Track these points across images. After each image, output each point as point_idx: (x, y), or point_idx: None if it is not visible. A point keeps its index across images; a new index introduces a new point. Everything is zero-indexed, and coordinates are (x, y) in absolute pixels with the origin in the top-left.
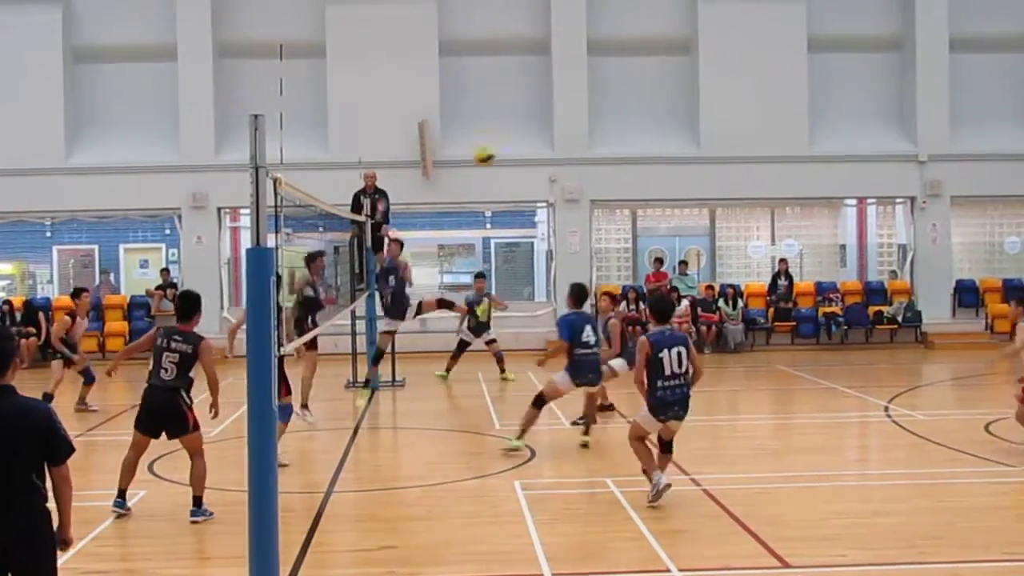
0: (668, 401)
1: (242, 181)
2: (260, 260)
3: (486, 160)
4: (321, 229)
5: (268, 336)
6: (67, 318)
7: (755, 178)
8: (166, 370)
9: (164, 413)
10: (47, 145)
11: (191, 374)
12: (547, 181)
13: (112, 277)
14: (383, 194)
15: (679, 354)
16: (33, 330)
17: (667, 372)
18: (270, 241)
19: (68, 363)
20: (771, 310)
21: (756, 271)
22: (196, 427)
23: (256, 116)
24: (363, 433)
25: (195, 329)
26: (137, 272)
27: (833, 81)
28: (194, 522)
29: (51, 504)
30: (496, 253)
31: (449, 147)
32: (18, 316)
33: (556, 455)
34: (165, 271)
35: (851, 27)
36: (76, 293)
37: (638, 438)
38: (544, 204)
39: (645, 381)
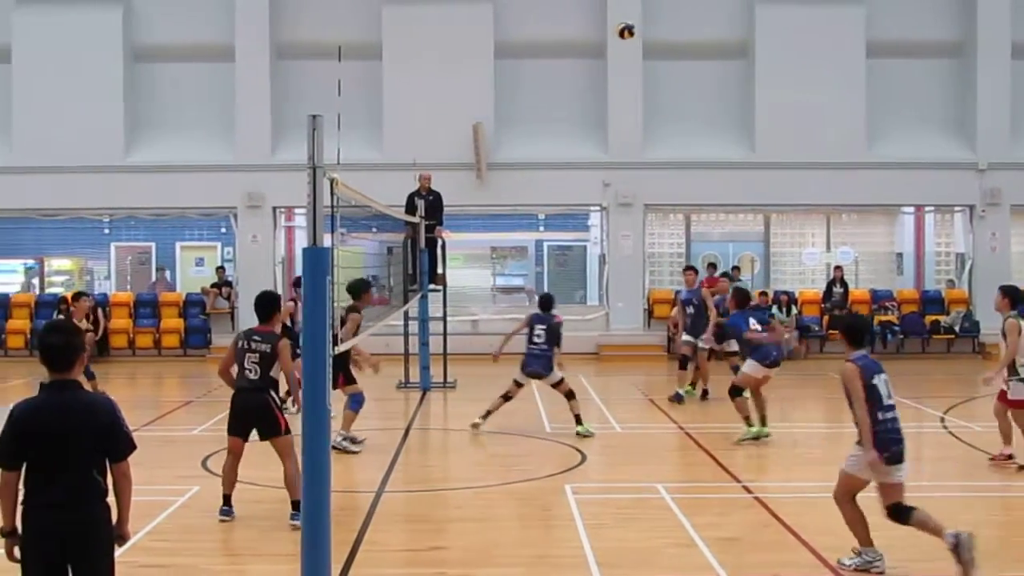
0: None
1: (297, 181)
2: (316, 259)
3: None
4: (374, 230)
5: (323, 334)
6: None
7: (811, 184)
8: (250, 371)
9: (254, 413)
10: (107, 143)
11: (273, 373)
12: (601, 185)
13: (168, 275)
14: (437, 196)
15: (885, 381)
16: (91, 326)
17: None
18: (326, 241)
19: None
20: (825, 318)
21: (810, 278)
22: (288, 430)
23: (314, 117)
24: (414, 434)
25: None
26: (193, 270)
27: (892, 87)
28: (294, 526)
29: (110, 499)
30: (549, 256)
31: (503, 149)
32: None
33: (607, 459)
34: (220, 269)
35: (911, 32)
36: (76, 297)
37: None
38: (597, 208)
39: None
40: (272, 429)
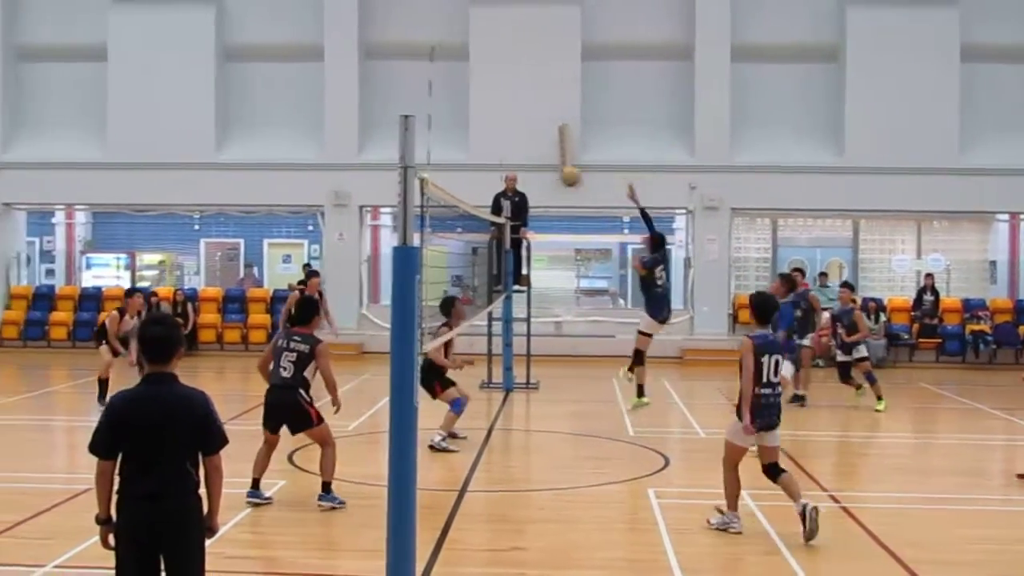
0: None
1: (383, 180)
2: (406, 258)
3: None
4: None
5: (411, 333)
6: (115, 313)
7: (901, 190)
8: (284, 368)
9: (284, 410)
10: (198, 141)
11: (306, 373)
12: (687, 188)
13: (256, 271)
14: (523, 197)
15: (776, 362)
16: (181, 320)
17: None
18: (415, 240)
19: (116, 353)
20: (915, 326)
21: (900, 285)
22: (320, 420)
23: (406, 117)
24: (496, 434)
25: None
26: (280, 267)
27: (986, 91)
28: (321, 506)
29: (202, 491)
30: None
31: (589, 151)
32: (163, 306)
33: (691, 464)
34: (307, 267)
35: (1006, 36)
36: (129, 293)
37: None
38: (683, 211)
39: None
40: (303, 423)
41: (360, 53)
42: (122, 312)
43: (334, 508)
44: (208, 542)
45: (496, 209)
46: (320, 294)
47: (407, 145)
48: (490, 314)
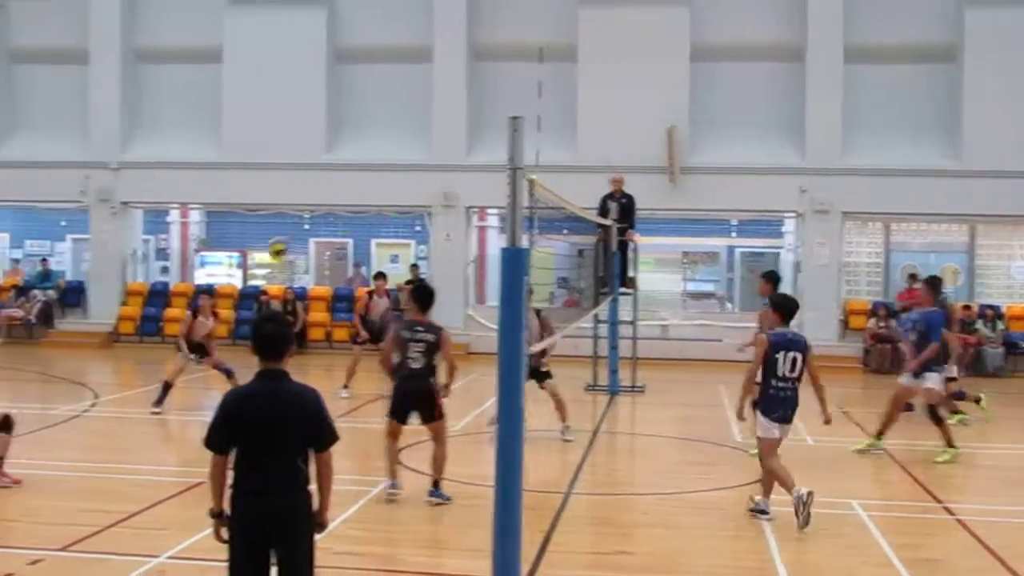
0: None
1: (491, 181)
2: (514, 260)
3: (278, 255)
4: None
5: (519, 335)
6: (188, 314)
7: (1021, 193)
8: (414, 359)
9: (419, 399)
10: (309, 141)
11: (434, 362)
12: (796, 191)
13: (364, 270)
14: (630, 199)
15: (794, 359)
16: (290, 319)
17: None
18: (523, 242)
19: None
20: None
21: (1019, 292)
22: (442, 415)
23: (515, 118)
24: (601, 437)
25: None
26: (387, 266)
27: None
28: (430, 502)
29: (312, 487)
30: (740, 262)
31: (697, 153)
32: (273, 305)
33: (798, 472)
34: (414, 267)
35: None
36: (201, 292)
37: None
38: (793, 214)
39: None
40: (432, 413)
41: (469, 54)
42: (195, 312)
43: (442, 504)
44: (317, 537)
45: (603, 211)
46: (387, 293)
47: (516, 146)
48: (596, 317)
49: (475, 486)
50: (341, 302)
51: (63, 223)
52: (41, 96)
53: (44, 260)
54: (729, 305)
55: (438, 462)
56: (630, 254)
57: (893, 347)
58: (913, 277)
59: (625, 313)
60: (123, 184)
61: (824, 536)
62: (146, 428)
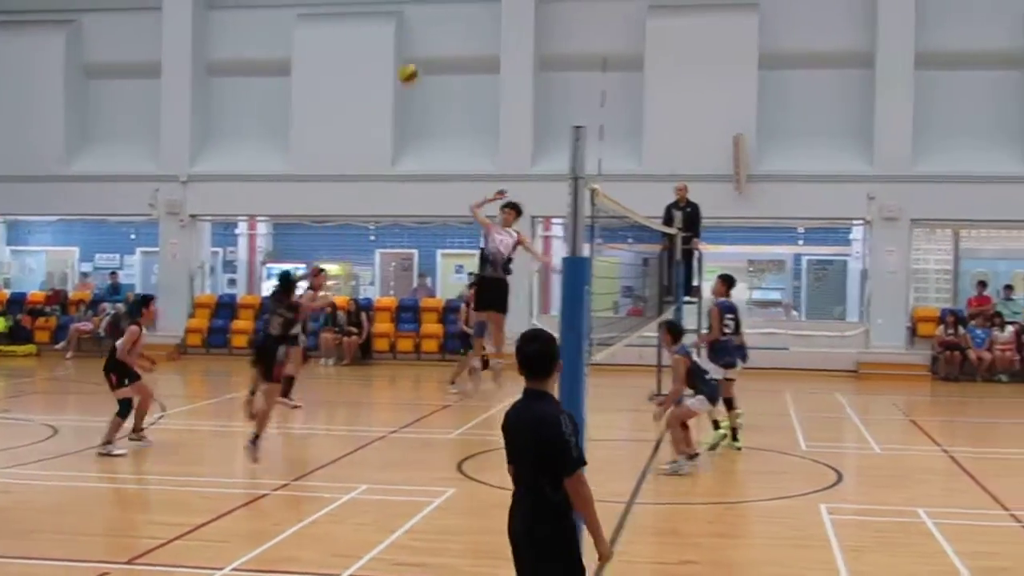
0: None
1: (556, 191)
2: (576, 269)
3: (410, 78)
4: (630, 240)
5: (580, 343)
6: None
7: None
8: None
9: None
10: (375, 152)
11: None
12: (864, 198)
13: (429, 281)
14: (695, 207)
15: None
16: (355, 329)
17: None
18: (585, 251)
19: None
20: None
21: None
22: None
23: (578, 128)
24: (664, 446)
25: None
26: (453, 277)
27: None
28: None
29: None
30: (807, 270)
31: (764, 161)
32: (339, 315)
33: (865, 480)
34: (472, 276)
35: None
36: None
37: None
38: (860, 222)
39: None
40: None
41: (535, 64)
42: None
43: None
44: (393, 545)
45: (668, 220)
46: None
47: (578, 156)
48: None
49: None
50: (406, 312)
51: (132, 236)
52: (113, 110)
53: (113, 273)
54: (795, 313)
55: None
56: (695, 263)
57: (962, 354)
58: (983, 284)
59: (690, 322)
60: (192, 196)
61: (890, 544)
62: (213, 440)
